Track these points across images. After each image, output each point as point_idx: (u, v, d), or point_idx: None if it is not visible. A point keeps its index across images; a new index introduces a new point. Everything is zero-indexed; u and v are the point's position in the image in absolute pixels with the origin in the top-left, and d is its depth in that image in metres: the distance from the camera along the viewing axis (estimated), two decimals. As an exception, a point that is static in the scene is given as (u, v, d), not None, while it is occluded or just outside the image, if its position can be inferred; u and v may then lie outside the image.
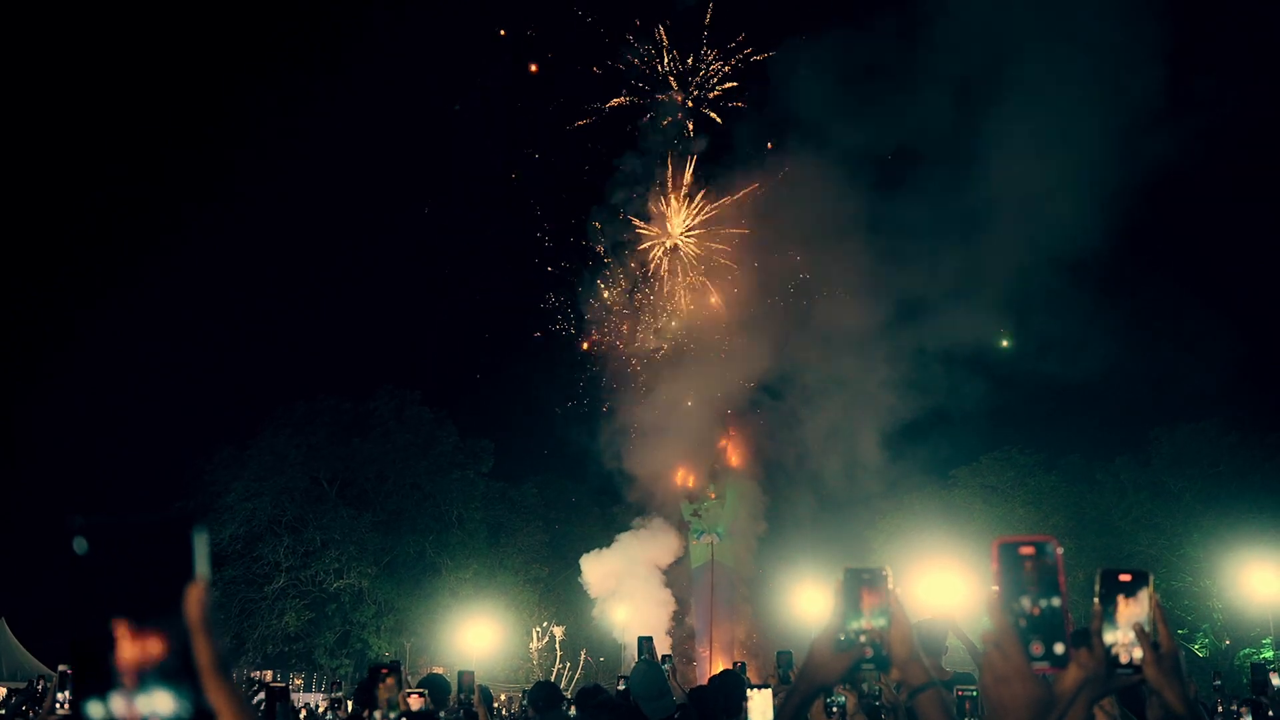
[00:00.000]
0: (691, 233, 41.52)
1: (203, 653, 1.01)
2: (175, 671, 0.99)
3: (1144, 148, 30.52)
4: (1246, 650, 31.37)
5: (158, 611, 0.98)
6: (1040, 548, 1.67)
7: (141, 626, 0.97)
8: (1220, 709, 11.99)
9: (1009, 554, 1.68)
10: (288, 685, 6.70)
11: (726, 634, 33.09)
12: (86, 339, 45.94)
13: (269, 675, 27.60)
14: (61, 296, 46.60)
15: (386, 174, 55.48)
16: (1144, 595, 1.92)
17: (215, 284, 49.31)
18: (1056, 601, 1.66)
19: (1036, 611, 1.65)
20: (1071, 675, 1.69)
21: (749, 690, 4.16)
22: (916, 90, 34.73)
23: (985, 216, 33.55)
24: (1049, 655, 1.65)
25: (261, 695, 7.97)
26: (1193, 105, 32.94)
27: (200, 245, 49.02)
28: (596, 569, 33.69)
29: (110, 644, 0.97)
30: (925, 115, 34.84)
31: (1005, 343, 37.02)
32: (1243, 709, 10.14)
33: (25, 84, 47.26)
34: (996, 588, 1.67)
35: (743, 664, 10.51)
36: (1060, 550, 1.68)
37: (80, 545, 0.98)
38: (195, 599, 1.00)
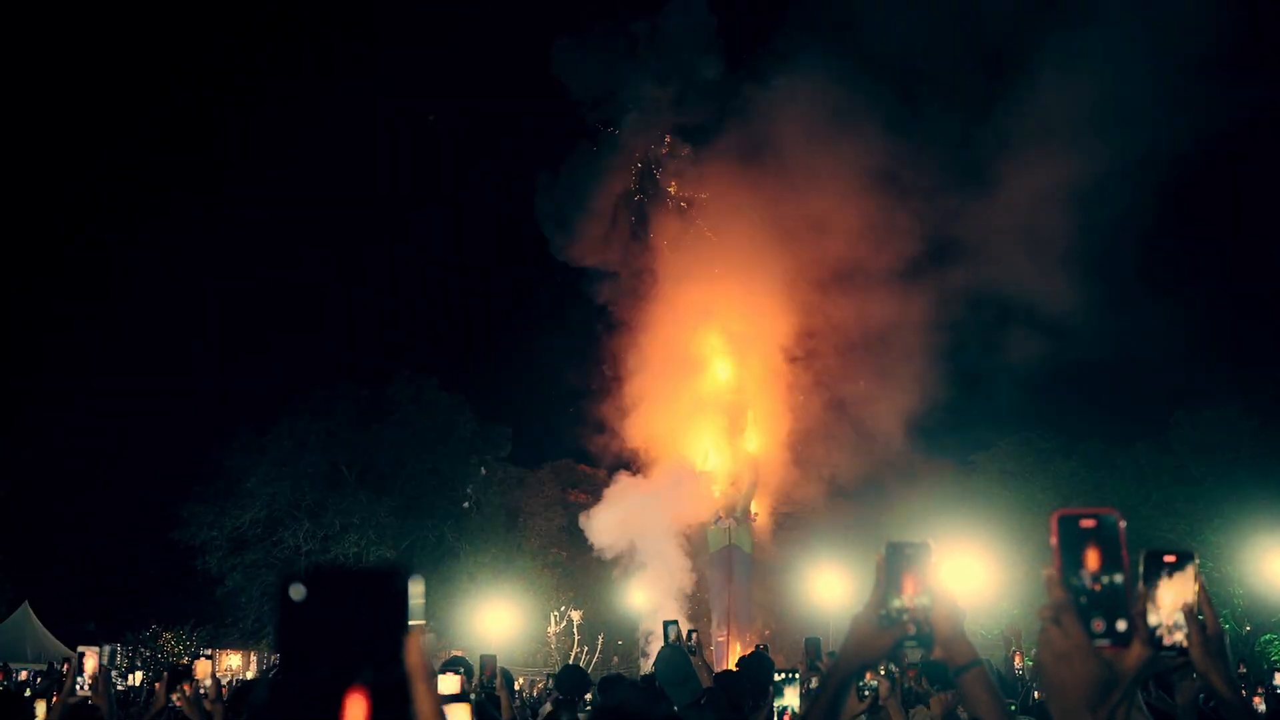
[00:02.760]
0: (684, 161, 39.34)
1: (423, 700, 1.02)
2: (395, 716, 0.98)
3: (1191, 117, 29.27)
4: (1267, 635, 31.25)
5: (377, 658, 0.98)
6: (1102, 520, 1.62)
7: (361, 673, 0.97)
8: (1244, 692, 11.91)
9: (1069, 527, 1.62)
10: None
11: (744, 619, 33.02)
12: (104, 326, 46.24)
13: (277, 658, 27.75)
14: (80, 282, 46.88)
15: (403, 157, 55.55)
16: (1189, 576, 1.89)
17: (232, 271, 49.51)
18: (1119, 577, 1.60)
19: (1098, 587, 1.61)
20: (1134, 654, 1.65)
21: (779, 673, 4.13)
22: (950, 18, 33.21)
23: (1007, 175, 32.47)
24: (1110, 632, 1.59)
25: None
26: (1257, 74, 31.37)
27: (217, 233, 49.23)
28: (604, 521, 33.33)
29: (329, 688, 0.96)
30: (957, 45, 33.37)
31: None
32: (1256, 698, 10.15)
33: (34, 67, 47.50)
34: (1056, 561, 1.62)
35: (766, 645, 10.49)
36: (1123, 523, 1.62)
37: (298, 592, 0.98)
38: (415, 647, 1.00)
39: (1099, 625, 1.59)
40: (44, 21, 47.52)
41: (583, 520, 34.65)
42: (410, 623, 1.00)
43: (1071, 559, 1.61)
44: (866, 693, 4.03)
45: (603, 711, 1.79)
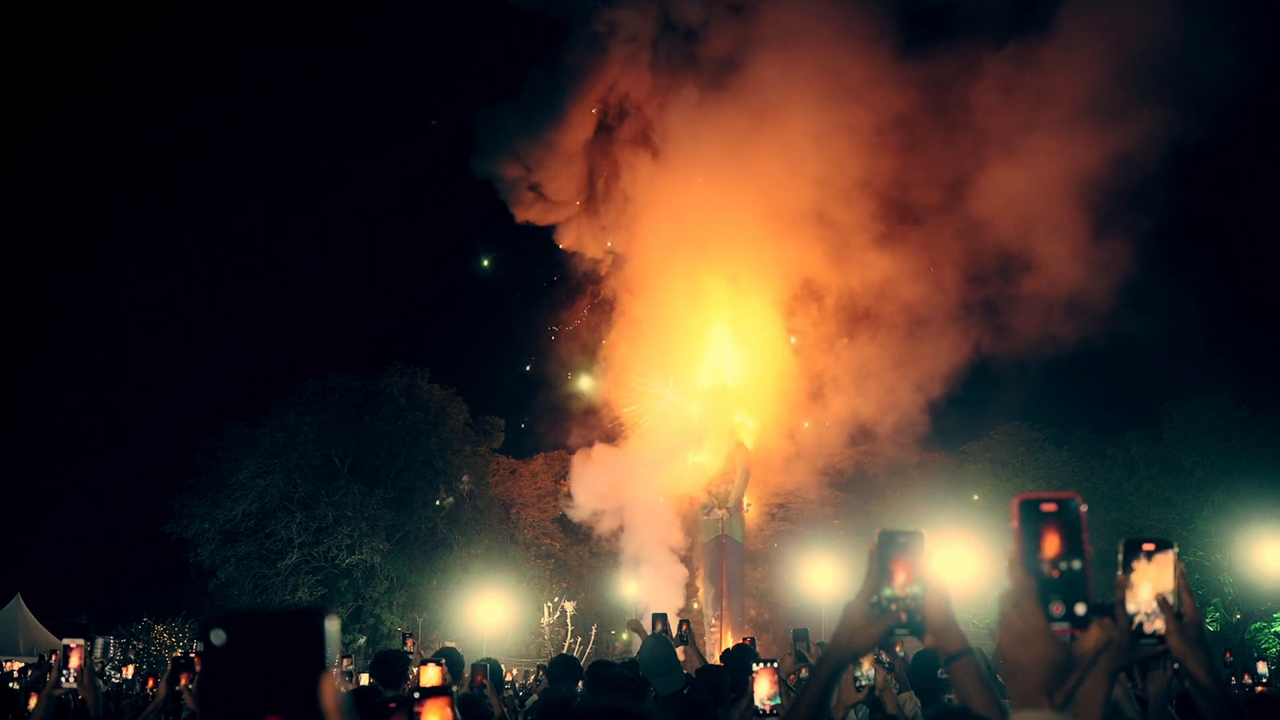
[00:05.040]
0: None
1: None
2: None
3: (1198, 106, 28.50)
4: (1257, 624, 31.41)
5: (294, 699, 1.01)
6: (1064, 505, 1.61)
7: (279, 713, 1.01)
8: (1233, 681, 12.01)
9: (1031, 511, 1.62)
10: None
11: (737, 610, 33.06)
12: (97, 319, 46.11)
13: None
14: (71, 273, 46.70)
15: (400, 148, 55.39)
16: (1168, 564, 1.89)
17: (225, 264, 49.40)
18: (1078, 562, 1.60)
19: (1057, 572, 1.60)
20: (1092, 637, 1.65)
21: (755, 665, 4.11)
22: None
23: (1006, 152, 31.66)
24: (1069, 616, 1.59)
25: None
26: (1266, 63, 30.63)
27: (210, 226, 49.13)
28: (588, 479, 33.04)
29: None
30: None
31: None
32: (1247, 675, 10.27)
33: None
34: (1017, 545, 1.62)
35: (752, 639, 10.48)
36: (1084, 508, 1.62)
37: (218, 637, 1.01)
38: (329, 687, 1.03)
39: (1058, 609, 1.59)
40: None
41: (564, 501, 34.48)
42: (327, 663, 1.03)
43: (1032, 543, 1.61)
44: (863, 683, 4.02)
45: (549, 706, 1.79)
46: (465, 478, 36.73)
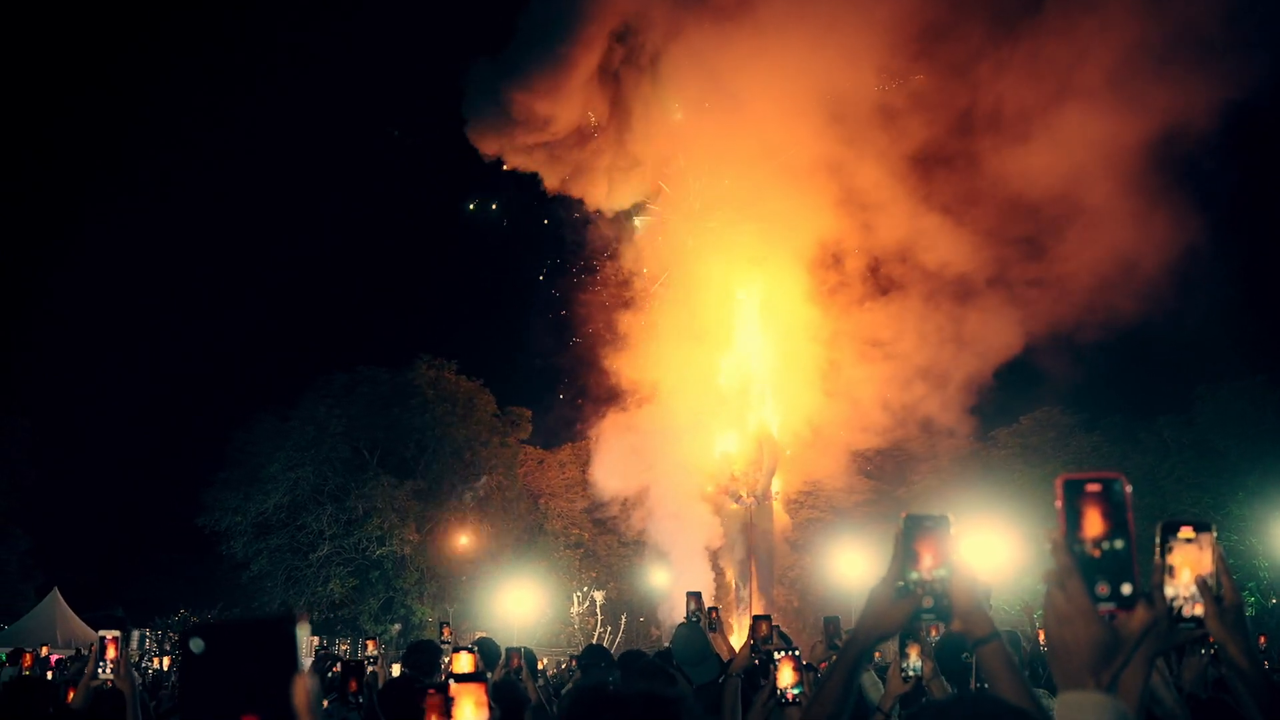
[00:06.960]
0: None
1: None
2: None
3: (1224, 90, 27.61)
4: (1293, 608, 31.08)
5: (268, 699, 1.08)
6: (1108, 485, 1.60)
7: (255, 712, 1.08)
8: (1266, 666, 11.86)
9: (1075, 491, 1.61)
10: (363, 660, 6.88)
11: (765, 597, 33.02)
12: (129, 317, 46.55)
13: (316, 640, 28.07)
14: (98, 269, 47.15)
15: (423, 135, 55.46)
16: (1206, 547, 1.87)
17: (251, 258, 49.72)
18: (1121, 541, 1.59)
19: (1098, 552, 1.59)
20: (1139, 617, 1.63)
21: (776, 654, 4.09)
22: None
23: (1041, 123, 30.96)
24: (1115, 596, 1.58)
25: (336, 667, 8.10)
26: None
27: (237, 221, 49.45)
28: (612, 456, 32.88)
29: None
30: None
31: None
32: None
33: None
34: (1060, 525, 1.61)
35: (777, 626, 10.38)
36: (1129, 488, 1.61)
37: (197, 645, 1.10)
38: (301, 689, 1.09)
39: (1103, 589, 1.58)
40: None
41: (591, 473, 34.34)
42: (299, 665, 1.09)
43: (1076, 523, 1.60)
44: (911, 674, 3.98)
45: (584, 691, 1.79)
46: (484, 479, 36.84)
